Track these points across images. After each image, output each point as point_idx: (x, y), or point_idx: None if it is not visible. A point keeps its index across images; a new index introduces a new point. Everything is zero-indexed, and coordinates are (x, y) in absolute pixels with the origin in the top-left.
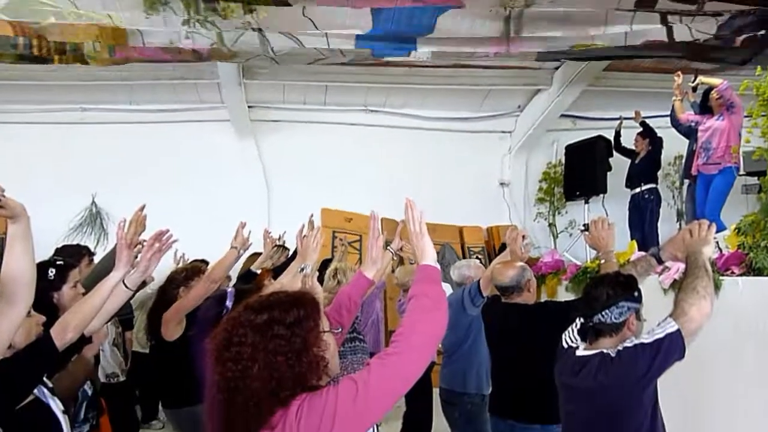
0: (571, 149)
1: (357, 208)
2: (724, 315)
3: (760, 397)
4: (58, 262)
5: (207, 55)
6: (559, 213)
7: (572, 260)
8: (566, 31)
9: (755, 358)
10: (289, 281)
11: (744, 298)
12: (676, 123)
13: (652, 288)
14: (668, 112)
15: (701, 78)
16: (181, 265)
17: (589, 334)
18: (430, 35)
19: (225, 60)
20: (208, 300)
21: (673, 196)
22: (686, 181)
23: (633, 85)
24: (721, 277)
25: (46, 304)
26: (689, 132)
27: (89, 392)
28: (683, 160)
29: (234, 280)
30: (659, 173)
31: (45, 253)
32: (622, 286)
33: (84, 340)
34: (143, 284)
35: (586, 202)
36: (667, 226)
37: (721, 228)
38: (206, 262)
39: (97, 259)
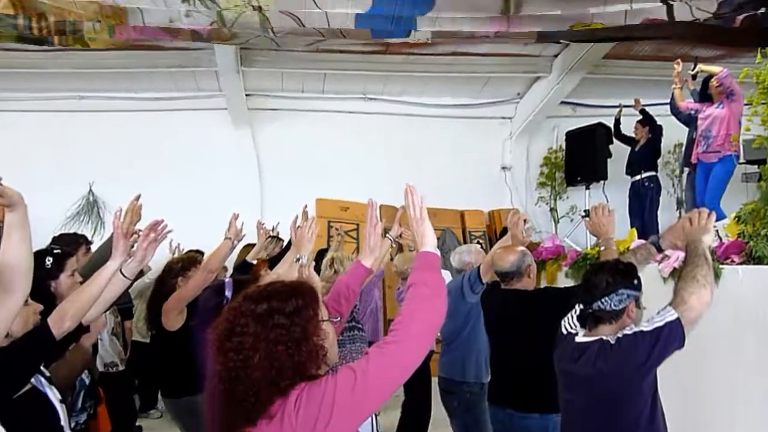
0: (571, 135)
1: (354, 197)
2: (723, 304)
3: (760, 385)
4: (55, 251)
5: (207, 36)
6: (560, 198)
7: (573, 246)
8: (566, 10)
9: (755, 347)
10: (285, 271)
11: (744, 286)
12: (675, 111)
13: (651, 276)
14: (668, 100)
15: (701, 66)
16: (176, 255)
17: (588, 320)
18: (429, 14)
19: (225, 41)
20: (207, 290)
21: (673, 185)
22: (686, 170)
23: (632, 73)
24: (720, 266)
25: (44, 292)
26: (689, 120)
27: (87, 381)
28: (683, 149)
29: (230, 271)
30: (659, 161)
31: (42, 241)
32: (622, 274)
33: (82, 329)
34: (141, 274)
35: (587, 187)
36: (666, 215)
37: (720, 216)
38: (201, 253)
39: (94, 248)
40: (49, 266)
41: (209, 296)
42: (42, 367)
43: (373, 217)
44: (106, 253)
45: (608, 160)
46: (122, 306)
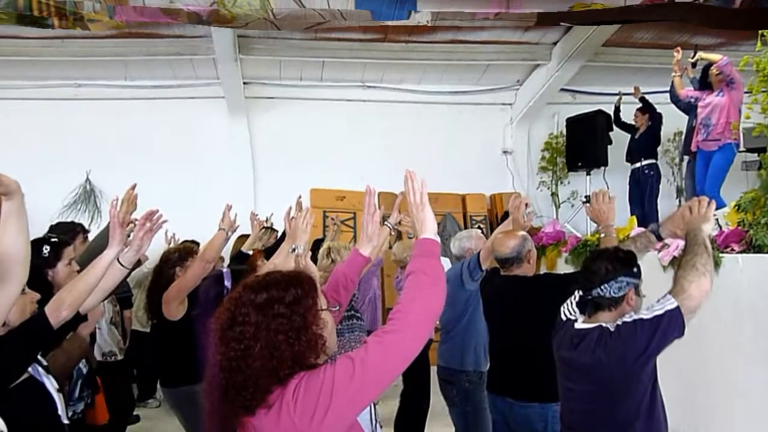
0: (571, 122)
1: (351, 186)
2: (723, 292)
3: (759, 374)
4: (52, 240)
5: (207, 18)
6: (561, 183)
7: (573, 231)
8: None
9: (755, 336)
10: (281, 262)
11: (744, 275)
12: (675, 99)
13: (651, 264)
14: (667, 88)
15: (701, 54)
16: (172, 245)
17: (587, 307)
18: None
19: (224, 24)
20: (207, 280)
21: (673, 173)
22: (686, 158)
23: (632, 61)
24: (720, 255)
25: (41, 281)
26: (689, 108)
27: (84, 370)
28: (683, 137)
29: (227, 261)
30: (659, 149)
31: (39, 230)
32: (622, 262)
33: (79, 318)
34: (138, 263)
35: (588, 173)
36: (666, 203)
37: (720, 205)
38: (197, 243)
39: (91, 236)
40: (47, 255)
41: (209, 286)
42: (39, 356)
43: (371, 205)
44: (103, 242)
45: (609, 146)
46: (121, 295)
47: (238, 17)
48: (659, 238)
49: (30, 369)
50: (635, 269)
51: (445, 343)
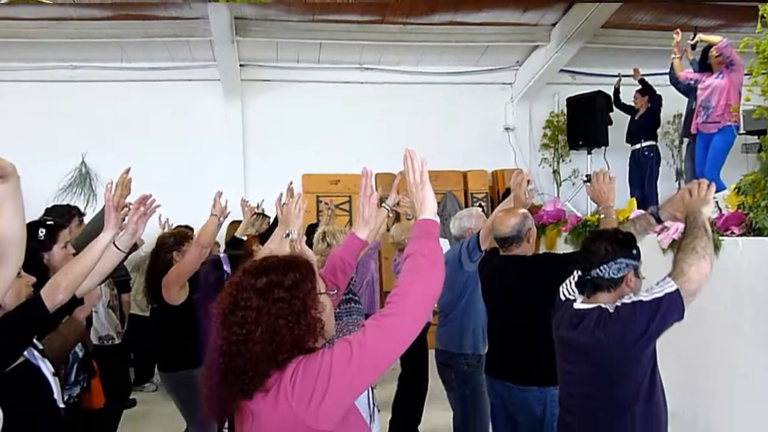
0: (572, 101)
1: (346, 169)
2: (723, 275)
3: (759, 357)
4: (48, 222)
5: None
6: (563, 160)
7: (573, 210)
8: None
9: (755, 319)
10: (276, 246)
11: (744, 258)
12: (675, 81)
13: (650, 247)
14: (667, 70)
15: (700, 35)
16: (166, 230)
17: (587, 287)
18: None
19: None
20: (205, 264)
21: (673, 155)
22: (685, 140)
23: (631, 43)
24: (720, 238)
25: (36, 264)
26: (688, 90)
27: (80, 354)
28: (682, 119)
29: (223, 246)
30: (658, 131)
31: (35, 213)
32: (621, 243)
33: (75, 302)
34: (135, 247)
35: (589, 152)
36: (666, 185)
37: (720, 188)
38: (191, 228)
39: (86, 219)
40: (42, 238)
41: (209, 271)
42: (35, 340)
43: (368, 187)
44: (98, 225)
45: (609, 127)
46: (118, 279)
47: None
48: (659, 221)
49: (25, 353)
50: (635, 251)
51: (444, 326)
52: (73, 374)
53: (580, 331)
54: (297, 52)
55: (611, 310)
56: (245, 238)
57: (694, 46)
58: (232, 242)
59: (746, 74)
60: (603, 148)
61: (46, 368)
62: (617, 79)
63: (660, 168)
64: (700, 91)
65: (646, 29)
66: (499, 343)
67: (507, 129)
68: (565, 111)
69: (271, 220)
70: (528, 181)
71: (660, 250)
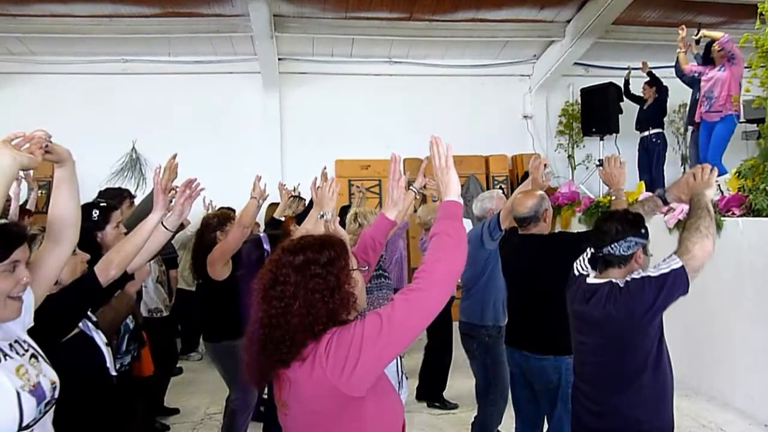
0: (585, 92)
1: (376, 155)
2: (725, 253)
3: (759, 329)
4: (101, 204)
5: None
6: (577, 146)
7: (587, 192)
8: None
9: (755, 294)
10: (312, 227)
11: (744, 237)
12: (680, 73)
13: (658, 227)
14: (673, 63)
15: (704, 31)
16: (210, 211)
17: (599, 263)
18: None
19: None
20: (247, 243)
21: (678, 142)
22: (690, 128)
23: (640, 38)
24: (722, 218)
25: (90, 243)
26: (693, 82)
27: (131, 326)
28: (687, 108)
29: (263, 227)
30: (665, 120)
31: (89, 195)
32: (631, 223)
33: (126, 277)
34: (181, 226)
35: (601, 138)
36: (672, 170)
37: (722, 172)
38: (233, 210)
39: (137, 201)
40: (96, 218)
41: (251, 249)
42: (89, 313)
43: (396, 171)
44: (147, 206)
45: (620, 115)
46: (166, 256)
47: None
48: (665, 202)
49: (80, 324)
50: (643, 230)
51: (467, 299)
52: (125, 344)
53: (592, 304)
54: (331, 46)
55: (621, 285)
56: (283, 218)
57: (698, 41)
58: (271, 223)
59: (746, 67)
60: (614, 135)
61: (100, 339)
62: (627, 71)
63: (666, 153)
64: (704, 83)
65: (654, 26)
66: (518, 315)
67: (525, 117)
68: (579, 101)
69: (307, 203)
70: (545, 165)
71: (666, 229)
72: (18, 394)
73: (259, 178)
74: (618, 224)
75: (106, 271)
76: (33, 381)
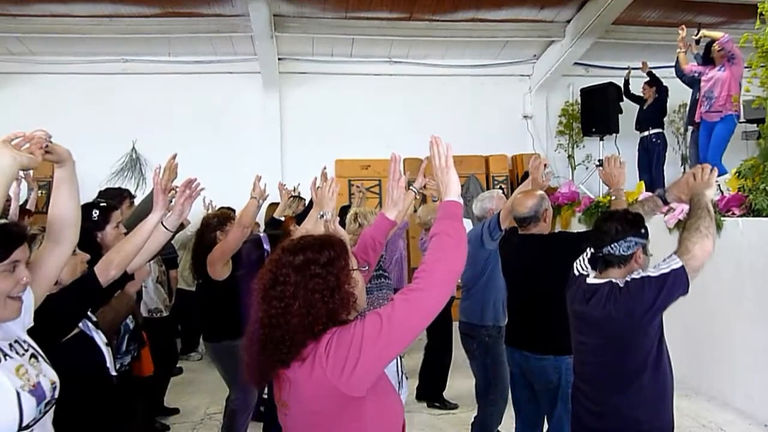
0: (585, 92)
1: (376, 155)
2: (725, 253)
3: (759, 329)
4: (101, 204)
5: None
6: (577, 146)
7: (587, 192)
8: None
9: (755, 293)
10: (312, 227)
11: (744, 237)
12: (680, 73)
13: (658, 227)
14: (673, 63)
15: (704, 31)
16: (210, 211)
17: (598, 263)
18: None
19: None
20: (247, 243)
21: (678, 142)
22: (690, 128)
23: (640, 38)
24: (722, 218)
25: (90, 243)
26: (693, 82)
27: (131, 326)
28: (687, 108)
29: (263, 227)
30: (665, 120)
31: (89, 195)
32: (631, 223)
33: (126, 277)
34: (181, 226)
35: (601, 139)
36: (672, 170)
37: (722, 172)
38: (233, 210)
39: (137, 201)
40: (96, 218)
41: (251, 249)
42: (89, 313)
43: (396, 171)
44: (147, 206)
45: (619, 115)
46: (166, 256)
47: None
48: (665, 202)
49: (80, 324)
50: (643, 230)
51: (467, 300)
52: (125, 344)
53: (592, 304)
54: (331, 46)
55: (621, 285)
56: (283, 218)
57: (698, 41)
58: (271, 223)
59: (746, 67)
60: (614, 135)
61: (100, 339)
62: (627, 71)
63: (666, 154)
64: (704, 83)
65: (654, 26)
66: (518, 315)
67: (525, 117)
68: (579, 101)
69: (307, 202)
70: (545, 165)
71: (666, 229)
72: (18, 394)
73: (259, 178)
74: (618, 224)
75: (106, 271)
76: (33, 381)
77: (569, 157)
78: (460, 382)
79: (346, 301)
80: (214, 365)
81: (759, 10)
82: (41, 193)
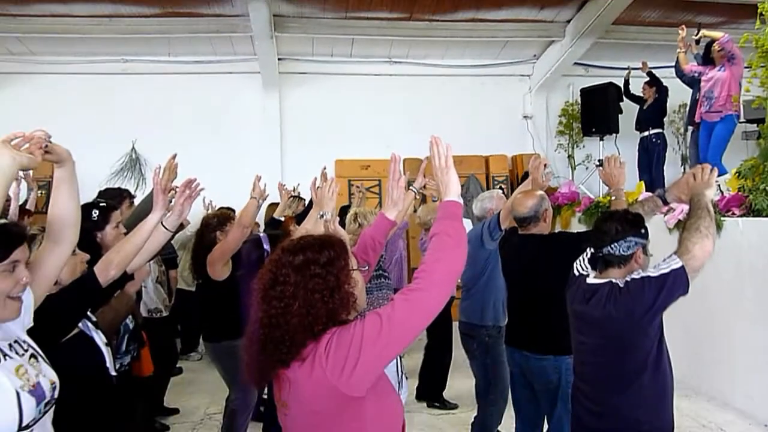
0: (585, 92)
1: (376, 155)
2: (725, 253)
3: (759, 329)
4: (101, 204)
5: None
6: (577, 146)
7: (587, 193)
8: None
9: (755, 293)
10: (312, 227)
11: (744, 237)
12: (680, 73)
13: (658, 227)
14: (673, 64)
15: (704, 31)
16: (210, 211)
17: (598, 263)
18: None
19: None
20: (247, 243)
21: (678, 142)
22: (690, 128)
23: (640, 38)
24: (722, 218)
25: (90, 243)
26: (693, 82)
27: (131, 326)
28: (687, 109)
29: (263, 227)
30: (665, 120)
31: (89, 195)
32: (631, 223)
33: (126, 277)
34: (181, 226)
35: (601, 139)
36: (672, 170)
37: (722, 172)
38: (233, 210)
39: (136, 201)
40: (96, 218)
41: (251, 249)
42: (89, 313)
43: (396, 171)
44: (147, 206)
45: (619, 115)
46: (166, 256)
47: None
48: (665, 203)
49: (80, 324)
50: (643, 230)
51: (467, 300)
52: (124, 344)
53: (592, 304)
54: (331, 46)
55: (621, 285)
56: (283, 219)
57: (698, 41)
58: (271, 223)
59: (746, 67)
60: (614, 135)
61: (99, 339)
62: (627, 71)
63: (666, 154)
64: (704, 83)
65: (654, 26)
66: (518, 315)
67: (525, 117)
68: (579, 101)
69: (307, 203)
70: (545, 165)
71: (666, 229)
72: (17, 394)
73: (259, 178)
74: (618, 224)
75: (106, 271)
76: (32, 381)
77: (569, 157)
78: (460, 382)
79: (346, 301)
80: (213, 365)
81: (759, 10)
82: (41, 193)
